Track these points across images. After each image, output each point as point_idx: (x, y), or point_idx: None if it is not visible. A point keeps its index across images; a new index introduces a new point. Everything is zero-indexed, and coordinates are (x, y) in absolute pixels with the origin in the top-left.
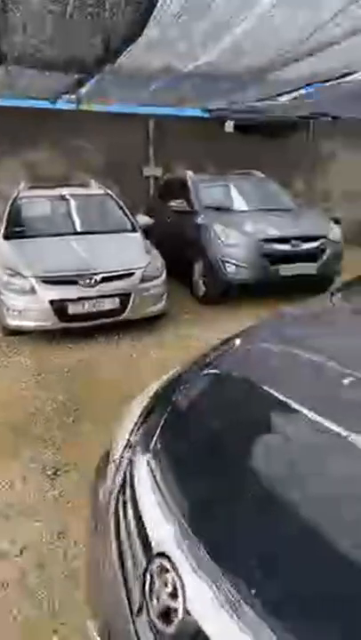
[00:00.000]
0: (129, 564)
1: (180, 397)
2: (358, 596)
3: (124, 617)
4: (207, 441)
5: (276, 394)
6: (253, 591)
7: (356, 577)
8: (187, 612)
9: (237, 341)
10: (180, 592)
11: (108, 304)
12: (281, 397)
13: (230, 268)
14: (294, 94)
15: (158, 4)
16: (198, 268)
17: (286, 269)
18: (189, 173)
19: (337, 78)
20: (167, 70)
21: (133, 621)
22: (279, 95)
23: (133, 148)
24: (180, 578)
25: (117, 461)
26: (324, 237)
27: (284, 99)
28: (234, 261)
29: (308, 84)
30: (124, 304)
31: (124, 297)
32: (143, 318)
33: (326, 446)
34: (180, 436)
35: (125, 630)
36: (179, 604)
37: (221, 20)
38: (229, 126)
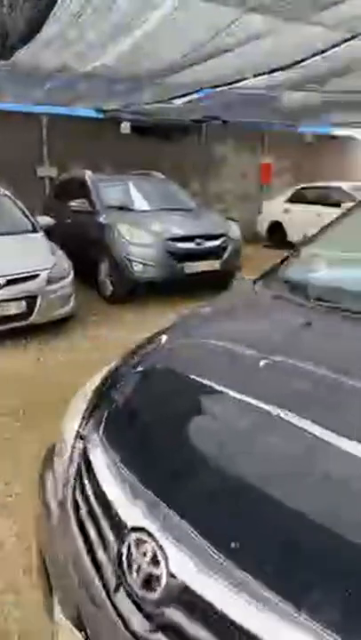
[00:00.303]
0: (97, 546)
1: (120, 390)
2: (326, 542)
3: (99, 598)
4: (154, 424)
5: (205, 381)
6: (233, 545)
7: (322, 527)
8: (171, 575)
9: (168, 335)
10: (161, 558)
11: (14, 308)
12: (208, 382)
13: (137, 267)
14: (188, 98)
15: (58, 2)
16: (104, 267)
17: (192, 267)
18: (88, 173)
19: (229, 84)
20: (64, 69)
21: (111, 600)
22: (174, 98)
23: (27, 148)
24: (160, 546)
25: (70, 452)
26: (225, 235)
27: (178, 102)
28: (140, 260)
29: (201, 89)
30: (30, 307)
31: (31, 300)
32: (51, 321)
33: (253, 419)
34: (129, 423)
35: (103, 610)
36: (161, 570)
37: (122, 22)
38: (126, 128)
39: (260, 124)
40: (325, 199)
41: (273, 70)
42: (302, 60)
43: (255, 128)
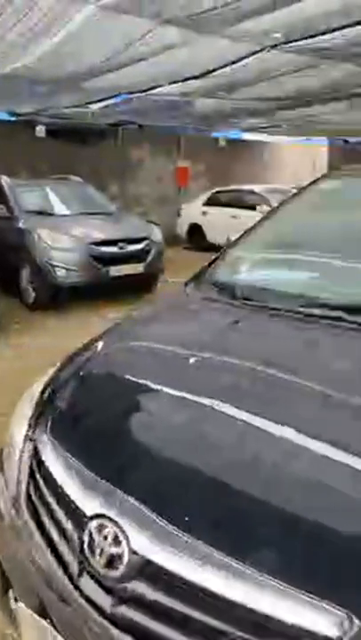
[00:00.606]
0: (56, 537)
1: (64, 393)
2: (257, 508)
3: (62, 586)
4: (99, 422)
5: (142, 380)
6: (187, 519)
7: (254, 497)
8: (132, 552)
9: (105, 339)
10: (122, 539)
11: None
12: (145, 381)
13: (60, 272)
14: (106, 103)
15: None
16: (25, 273)
17: (116, 270)
18: (4, 178)
19: (145, 90)
20: None
21: (75, 585)
22: (92, 103)
23: None
24: (120, 528)
25: (19, 455)
26: (148, 238)
27: (95, 106)
28: (63, 265)
29: (119, 94)
30: None
31: None
32: None
33: (187, 411)
34: (76, 423)
35: (68, 596)
36: (123, 549)
37: (42, 24)
38: (41, 131)
39: (174, 128)
40: (241, 202)
41: (186, 79)
42: (213, 70)
43: (170, 132)
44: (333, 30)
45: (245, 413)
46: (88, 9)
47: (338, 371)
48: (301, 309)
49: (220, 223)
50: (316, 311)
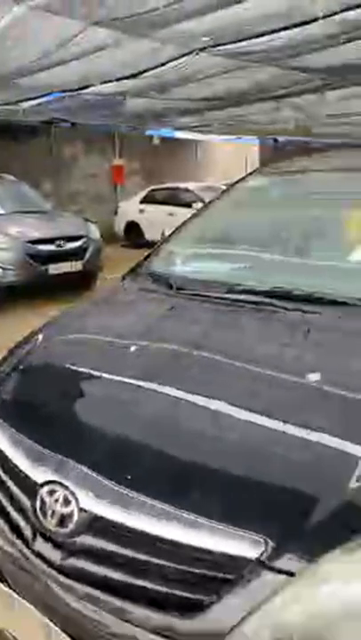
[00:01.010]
0: (10, 507)
1: (7, 382)
2: (183, 466)
3: (16, 550)
4: (44, 404)
5: (82, 366)
6: (128, 477)
7: (179, 457)
8: (81, 510)
9: (45, 331)
10: (71, 499)
11: None
12: (84, 366)
13: None
14: (38, 101)
15: None
16: None
17: (55, 268)
18: None
19: (78, 89)
20: None
21: (30, 547)
22: (24, 100)
23: None
24: (70, 491)
25: None
26: (85, 236)
27: (27, 104)
28: (0, 265)
29: (52, 92)
30: None
31: None
32: None
33: (123, 389)
34: (22, 406)
35: (22, 557)
36: (72, 508)
37: None
38: None
39: (107, 126)
40: (176, 199)
41: (118, 79)
42: (145, 71)
43: (103, 130)
44: (262, 35)
45: (175, 389)
46: (19, 9)
47: (258, 348)
48: (229, 296)
49: (157, 220)
50: (242, 297)
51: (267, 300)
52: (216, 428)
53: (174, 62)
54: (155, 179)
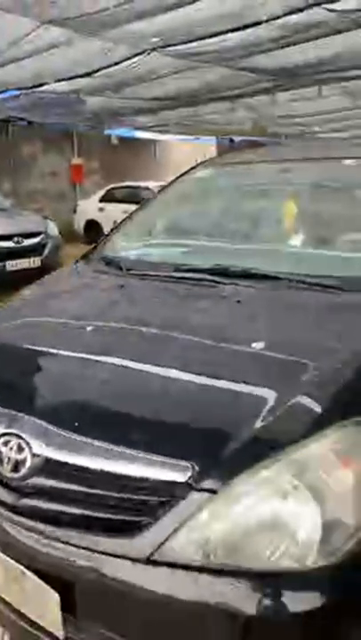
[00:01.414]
0: None
1: None
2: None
3: None
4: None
5: (36, 342)
6: (76, 424)
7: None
8: (34, 455)
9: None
10: (25, 446)
11: None
12: (38, 343)
13: None
14: None
15: None
16: None
17: (12, 265)
18: None
19: (31, 87)
20: None
21: None
22: None
23: None
24: (23, 440)
25: None
26: (44, 233)
27: None
28: None
29: (7, 90)
30: None
31: None
32: None
33: (74, 357)
34: None
35: None
36: (26, 454)
37: None
38: None
39: (65, 125)
40: (136, 198)
41: (72, 77)
42: (98, 70)
43: (61, 129)
44: (211, 36)
45: (120, 359)
46: None
47: (195, 316)
48: (174, 274)
49: (117, 218)
50: (186, 275)
51: (208, 276)
52: (148, 382)
53: (126, 62)
54: (114, 178)
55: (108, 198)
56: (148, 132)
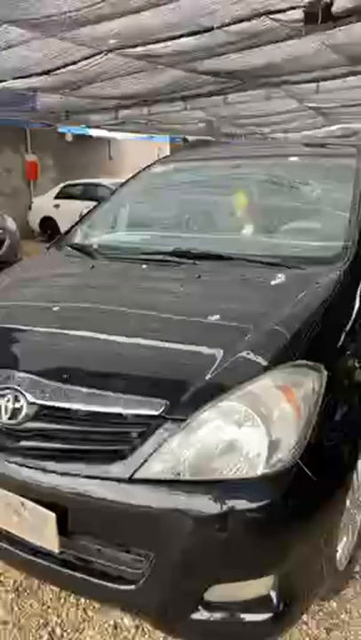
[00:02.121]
0: None
1: None
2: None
3: None
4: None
5: (15, 307)
6: (65, 376)
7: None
8: (29, 403)
9: None
10: (21, 397)
11: None
12: (17, 308)
13: None
14: None
15: None
16: None
17: None
18: None
19: None
20: None
21: None
22: None
23: None
24: (19, 391)
25: None
26: (2, 228)
27: None
28: None
29: None
30: None
31: None
32: None
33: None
34: None
35: None
36: (22, 403)
37: None
38: None
39: (18, 122)
40: (92, 194)
41: (29, 75)
42: (56, 69)
43: (14, 125)
44: (166, 40)
45: (86, 332)
46: None
47: (160, 286)
48: (140, 256)
49: (73, 215)
50: (151, 257)
51: (171, 257)
52: (125, 341)
53: (84, 62)
54: (68, 175)
55: (63, 195)
56: (102, 130)
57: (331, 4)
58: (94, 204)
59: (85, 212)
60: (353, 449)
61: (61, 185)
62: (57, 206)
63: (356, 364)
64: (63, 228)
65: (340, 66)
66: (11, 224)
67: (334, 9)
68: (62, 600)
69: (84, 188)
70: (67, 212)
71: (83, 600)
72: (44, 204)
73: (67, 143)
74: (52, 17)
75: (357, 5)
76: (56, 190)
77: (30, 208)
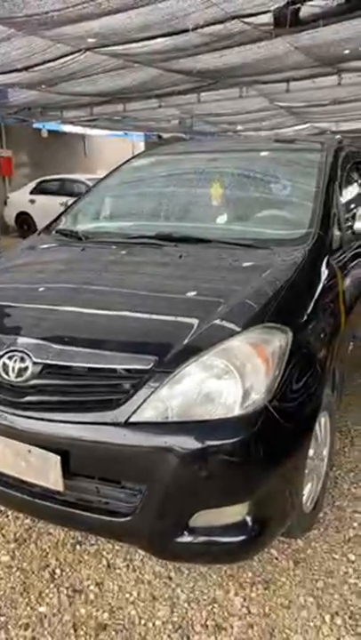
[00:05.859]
0: None
1: None
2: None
3: None
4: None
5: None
6: (67, 339)
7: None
8: (34, 363)
9: None
10: (26, 358)
11: None
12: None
13: None
14: None
15: None
16: None
17: None
18: None
19: None
20: None
21: None
22: None
23: None
24: (25, 353)
25: None
26: None
27: None
28: None
29: None
30: None
31: None
32: None
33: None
34: None
35: None
36: (28, 363)
37: None
38: None
39: None
40: (67, 190)
41: (8, 71)
42: (35, 65)
43: None
44: (143, 40)
45: (87, 292)
46: None
47: (145, 268)
48: (127, 240)
49: (50, 210)
50: (137, 240)
51: (155, 240)
52: (118, 311)
53: (62, 59)
54: (43, 170)
55: (39, 190)
56: (77, 126)
57: (298, 9)
58: (71, 199)
59: (70, 202)
60: (315, 400)
61: (37, 180)
62: (32, 202)
63: (318, 327)
64: (39, 223)
65: (310, 67)
66: None
67: (302, 14)
68: (60, 547)
69: (61, 183)
70: (43, 208)
71: (78, 547)
72: (20, 199)
73: (42, 138)
74: (34, 16)
75: (324, 11)
76: (32, 185)
77: (6, 203)
